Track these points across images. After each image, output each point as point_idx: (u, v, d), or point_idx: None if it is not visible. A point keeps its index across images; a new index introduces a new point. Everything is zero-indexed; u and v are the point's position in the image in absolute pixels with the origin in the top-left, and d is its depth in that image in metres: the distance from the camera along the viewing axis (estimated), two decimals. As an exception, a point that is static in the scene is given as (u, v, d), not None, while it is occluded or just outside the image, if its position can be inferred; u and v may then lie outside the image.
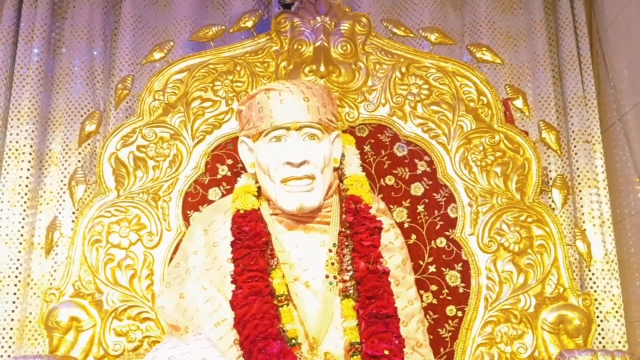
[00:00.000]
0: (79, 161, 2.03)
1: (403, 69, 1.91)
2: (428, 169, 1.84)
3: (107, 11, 2.19)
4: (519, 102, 1.92)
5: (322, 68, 1.87)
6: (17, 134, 2.04)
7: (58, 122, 2.11)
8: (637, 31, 2.04)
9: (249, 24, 1.94)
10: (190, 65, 1.90)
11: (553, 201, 1.85)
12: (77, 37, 2.13)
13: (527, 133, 1.93)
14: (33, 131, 2.04)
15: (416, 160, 1.84)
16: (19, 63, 2.10)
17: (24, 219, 2.00)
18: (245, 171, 1.66)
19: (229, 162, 1.83)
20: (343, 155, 1.66)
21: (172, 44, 1.92)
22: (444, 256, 1.78)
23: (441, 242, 1.79)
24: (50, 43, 2.17)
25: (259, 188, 1.60)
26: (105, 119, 2.10)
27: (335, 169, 1.62)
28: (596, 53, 2.27)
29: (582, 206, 2.09)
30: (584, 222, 2.07)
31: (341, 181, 1.64)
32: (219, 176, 1.82)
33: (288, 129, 1.50)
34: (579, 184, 2.11)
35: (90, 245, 1.75)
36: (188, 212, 1.80)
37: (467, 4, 2.28)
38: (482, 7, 2.25)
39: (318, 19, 1.92)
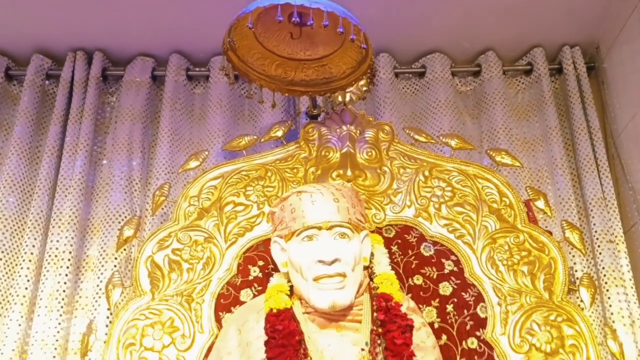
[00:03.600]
0: (115, 266, 2.10)
1: (426, 173, 1.99)
2: (455, 269, 1.87)
3: (146, 125, 2.35)
4: (540, 203, 1.98)
5: (349, 172, 1.96)
6: (57, 241, 2.13)
7: (96, 229, 2.21)
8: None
9: (279, 133, 2.07)
10: (224, 172, 2.00)
11: (581, 300, 1.86)
12: (118, 149, 2.27)
13: (550, 233, 1.97)
14: (72, 238, 2.13)
15: (443, 260, 1.88)
16: (62, 174, 2.22)
17: (59, 324, 2.04)
18: (277, 271, 1.71)
19: (261, 263, 1.89)
20: (372, 255, 1.71)
21: (206, 153, 2.04)
22: (476, 357, 1.77)
23: (472, 342, 1.79)
24: (92, 156, 2.31)
25: (292, 287, 1.65)
26: (141, 225, 2.19)
27: (365, 268, 1.67)
28: (612, 156, 2.36)
29: (610, 305, 2.09)
30: (613, 321, 2.07)
31: (371, 279, 1.68)
32: (250, 277, 1.87)
33: (319, 228, 1.56)
34: (606, 283, 2.12)
35: (125, 349, 1.77)
36: (220, 313, 1.83)
37: (484, 113, 2.41)
38: (498, 116, 2.36)
39: (344, 127, 2.04)
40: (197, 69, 2.48)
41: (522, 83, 2.51)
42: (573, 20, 2.39)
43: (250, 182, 1.99)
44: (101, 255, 2.15)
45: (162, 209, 2.05)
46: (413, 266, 1.88)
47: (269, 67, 1.91)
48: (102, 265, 2.13)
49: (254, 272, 1.88)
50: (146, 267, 1.88)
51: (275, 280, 1.68)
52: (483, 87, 2.44)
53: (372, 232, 1.87)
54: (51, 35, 2.39)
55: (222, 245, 1.91)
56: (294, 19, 1.58)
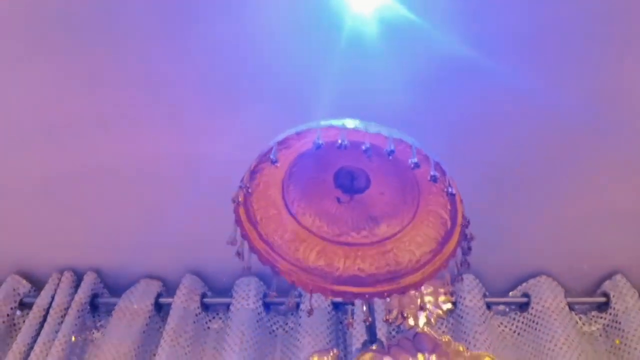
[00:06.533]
0: None
1: None
2: None
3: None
4: None
5: None
6: None
7: None
8: None
9: (320, 368, 1.34)
10: None
11: None
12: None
13: None
14: None
15: None
16: None
17: None
18: None
19: None
20: None
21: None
22: None
23: None
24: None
25: None
26: None
27: None
28: None
29: None
30: None
31: None
32: None
33: None
34: None
35: None
36: None
37: (627, 357, 1.63)
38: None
39: (420, 357, 1.31)
40: (217, 298, 1.86)
41: (672, 318, 1.76)
42: None
43: None
44: None
45: None
46: None
47: (306, 254, 1.28)
48: None
49: None
50: None
51: None
52: (619, 325, 1.70)
53: None
54: (36, 254, 1.88)
55: None
56: (341, 144, 1.01)
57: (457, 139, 1.54)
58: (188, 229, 1.80)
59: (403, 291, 1.27)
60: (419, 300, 1.38)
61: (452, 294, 1.40)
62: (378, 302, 1.62)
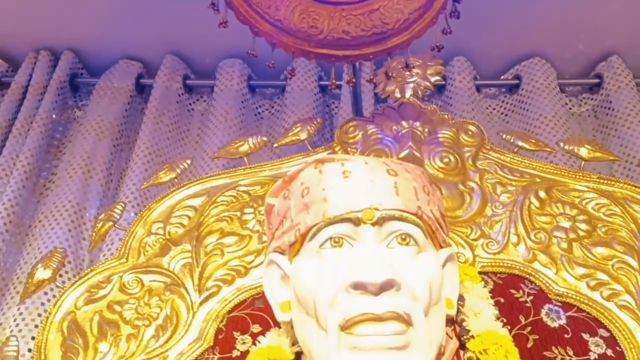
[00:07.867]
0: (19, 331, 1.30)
1: (542, 194, 1.20)
2: (609, 352, 1.02)
3: (117, 144, 1.65)
4: None
5: (413, 185, 1.18)
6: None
7: (21, 283, 1.45)
8: None
9: (303, 135, 1.33)
10: (210, 187, 1.25)
11: None
12: (71, 172, 1.56)
13: None
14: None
15: (585, 336, 1.03)
16: (-14, 204, 1.52)
17: None
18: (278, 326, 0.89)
19: (256, 329, 1.07)
20: (462, 298, 0.89)
21: (188, 162, 1.30)
22: None
23: None
24: (37, 184, 1.61)
25: (299, 355, 0.82)
26: (80, 267, 1.42)
27: (450, 320, 0.83)
28: None
29: None
30: None
31: (463, 346, 0.83)
32: (235, 353, 1.05)
33: (357, 221, 0.77)
34: None
35: None
36: (176, 418, 1.01)
37: (614, 137, 1.62)
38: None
39: (404, 123, 1.29)
40: (200, 80, 1.81)
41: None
42: None
43: (250, 202, 1.23)
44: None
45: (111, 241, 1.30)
46: (530, 344, 1.03)
47: (288, 13, 1.20)
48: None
49: (243, 343, 1.06)
50: (61, 331, 1.10)
51: (268, 339, 0.86)
52: (609, 105, 1.67)
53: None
54: (11, 32, 1.79)
55: (193, 297, 1.12)
56: None
57: None
58: (168, 5, 1.69)
59: (389, 52, 1.21)
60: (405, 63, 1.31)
61: (438, 75, 1.34)
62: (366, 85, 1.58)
